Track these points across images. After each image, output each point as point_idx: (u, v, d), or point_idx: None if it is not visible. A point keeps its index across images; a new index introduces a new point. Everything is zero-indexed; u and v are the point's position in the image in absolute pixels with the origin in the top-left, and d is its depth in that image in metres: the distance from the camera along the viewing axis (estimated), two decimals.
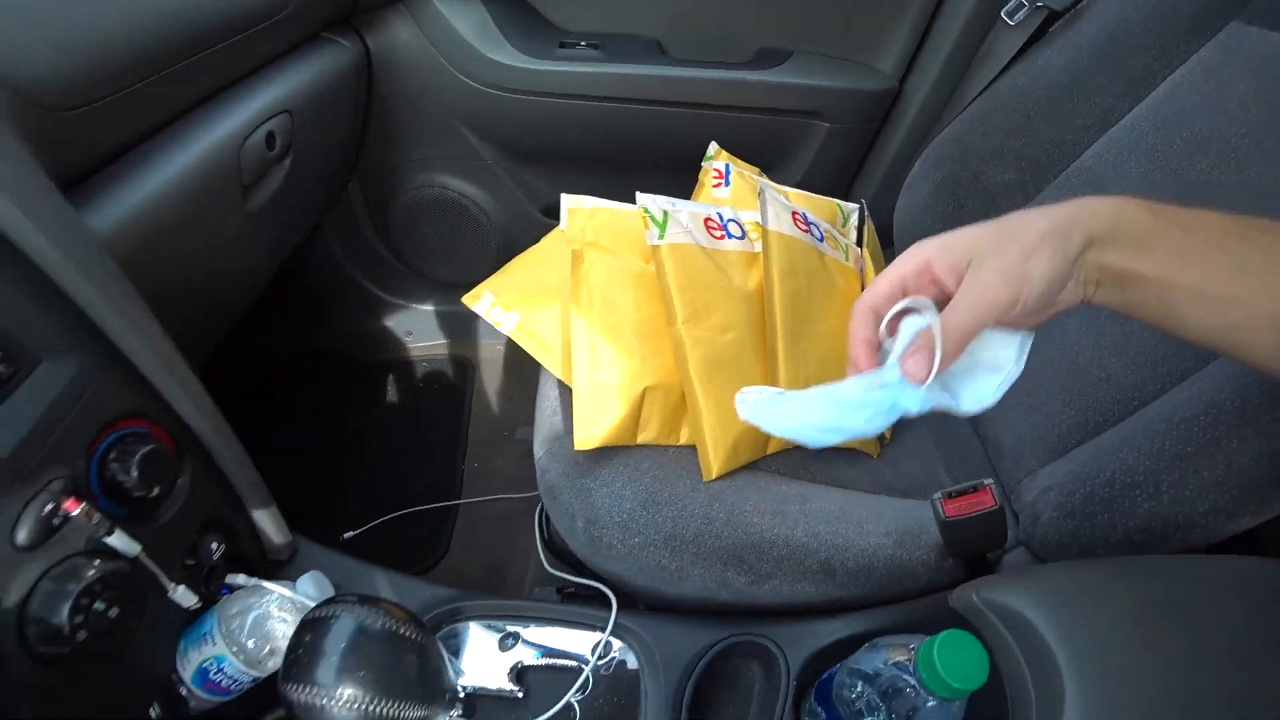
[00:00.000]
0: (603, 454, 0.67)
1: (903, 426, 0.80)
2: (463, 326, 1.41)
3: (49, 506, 0.42)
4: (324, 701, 0.42)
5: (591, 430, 0.65)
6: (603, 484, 0.65)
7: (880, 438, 0.79)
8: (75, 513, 0.43)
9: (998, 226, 0.38)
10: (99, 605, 0.43)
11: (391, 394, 1.34)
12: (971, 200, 0.84)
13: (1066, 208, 0.37)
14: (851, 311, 0.42)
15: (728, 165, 0.88)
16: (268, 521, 0.65)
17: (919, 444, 0.81)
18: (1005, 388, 0.39)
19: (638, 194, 0.70)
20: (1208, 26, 0.68)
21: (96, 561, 0.44)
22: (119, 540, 0.46)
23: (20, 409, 0.41)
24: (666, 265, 0.67)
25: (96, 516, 0.44)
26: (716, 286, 0.69)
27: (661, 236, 0.68)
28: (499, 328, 0.79)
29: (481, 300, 0.80)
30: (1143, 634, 0.42)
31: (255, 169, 0.76)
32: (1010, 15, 0.92)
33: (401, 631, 0.45)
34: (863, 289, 0.82)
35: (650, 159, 1.12)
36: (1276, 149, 0.60)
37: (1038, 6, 0.89)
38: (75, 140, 0.52)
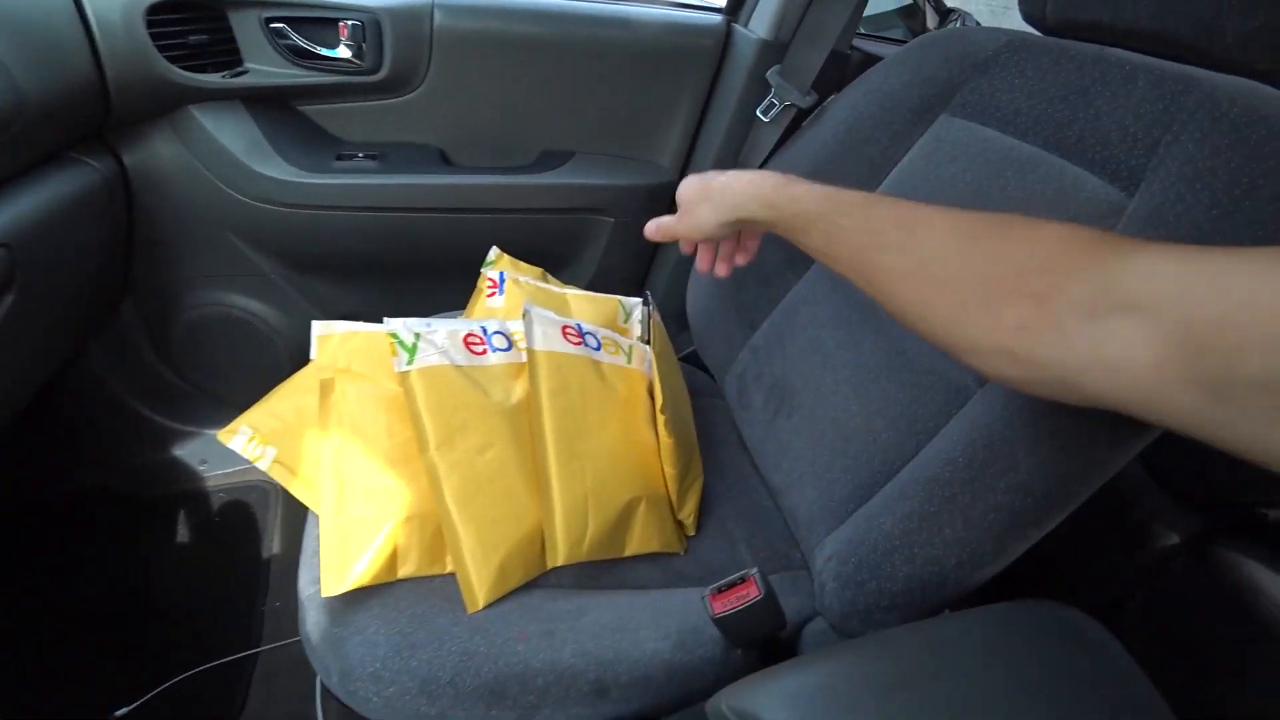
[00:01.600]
0: (358, 596, 0.62)
1: (704, 512, 0.81)
2: None
3: None
4: None
5: (341, 572, 0.61)
6: (356, 631, 0.60)
7: (683, 535, 0.78)
8: None
9: (702, 188, 0.64)
10: None
11: (182, 532, 1.21)
12: (750, 279, 0.89)
13: (740, 189, 0.60)
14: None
15: (503, 274, 0.89)
16: None
17: (719, 526, 0.80)
18: None
19: (385, 319, 0.68)
20: (923, 119, 0.77)
21: None
22: None
23: None
24: (416, 390, 0.65)
25: None
26: (473, 405, 0.67)
27: (411, 362, 0.66)
28: (258, 464, 0.73)
29: (239, 436, 0.74)
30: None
31: None
32: (765, 113, 1.03)
33: None
34: (650, 388, 0.84)
35: (439, 264, 1.11)
36: None
37: (786, 106, 1.00)
38: None
